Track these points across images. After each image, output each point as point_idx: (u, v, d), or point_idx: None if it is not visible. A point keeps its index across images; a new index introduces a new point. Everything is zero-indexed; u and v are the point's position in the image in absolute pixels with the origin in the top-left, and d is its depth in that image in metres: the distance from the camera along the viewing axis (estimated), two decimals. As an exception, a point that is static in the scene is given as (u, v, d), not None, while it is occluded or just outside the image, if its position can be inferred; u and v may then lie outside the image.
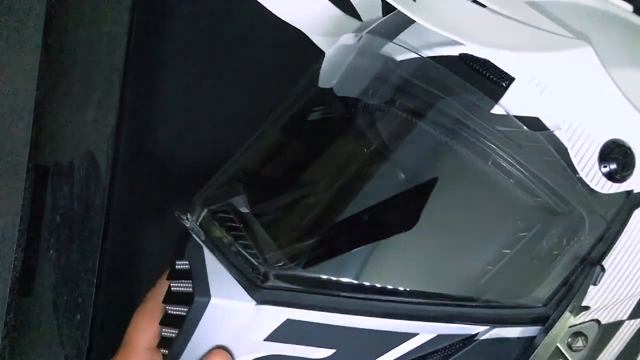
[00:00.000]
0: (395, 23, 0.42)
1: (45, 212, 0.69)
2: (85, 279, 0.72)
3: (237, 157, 0.47)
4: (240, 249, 0.39)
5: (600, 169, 0.36)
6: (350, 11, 0.51)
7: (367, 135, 0.40)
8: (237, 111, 0.73)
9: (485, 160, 0.36)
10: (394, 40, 0.40)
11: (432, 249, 0.37)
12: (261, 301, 0.37)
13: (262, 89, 0.72)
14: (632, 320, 0.39)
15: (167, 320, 0.42)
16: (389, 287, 0.36)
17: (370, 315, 0.36)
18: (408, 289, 0.36)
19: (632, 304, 0.38)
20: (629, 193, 0.37)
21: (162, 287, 0.46)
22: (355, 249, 0.37)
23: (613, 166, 0.36)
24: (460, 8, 0.37)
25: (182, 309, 0.40)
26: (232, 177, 0.44)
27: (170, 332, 0.41)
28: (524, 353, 0.36)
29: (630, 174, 0.36)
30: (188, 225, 0.42)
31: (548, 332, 0.35)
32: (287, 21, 0.48)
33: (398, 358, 0.35)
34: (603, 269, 0.36)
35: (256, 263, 0.38)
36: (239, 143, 0.70)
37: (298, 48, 0.73)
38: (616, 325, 0.38)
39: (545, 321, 0.35)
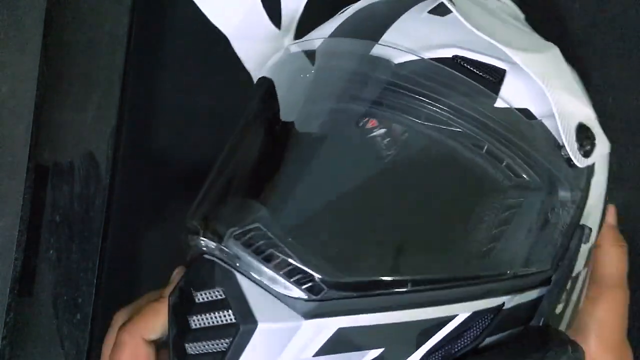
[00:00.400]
0: (362, 26, 0.44)
1: (45, 212, 0.69)
2: (85, 279, 0.72)
3: (228, 167, 0.46)
4: (277, 269, 0.37)
5: (578, 148, 0.41)
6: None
7: (383, 141, 0.40)
8: (237, 111, 0.73)
9: (494, 150, 0.40)
10: (381, 43, 0.41)
11: (459, 237, 0.39)
12: (311, 316, 0.35)
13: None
14: (584, 269, 0.46)
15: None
16: (430, 277, 0.37)
17: (415, 307, 0.37)
18: (446, 276, 0.38)
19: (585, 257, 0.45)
20: (589, 166, 0.44)
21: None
22: (392, 248, 0.38)
23: (587, 145, 0.42)
24: (483, 18, 0.42)
25: (220, 343, 0.36)
26: (239, 191, 0.42)
27: None
28: (534, 311, 0.40)
29: (594, 149, 0.43)
30: (208, 250, 0.39)
31: (554, 290, 0.40)
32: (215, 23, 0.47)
33: (440, 340, 0.37)
34: (590, 229, 0.42)
35: (302, 278, 0.37)
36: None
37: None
38: (577, 275, 0.45)
39: (549, 282, 0.41)
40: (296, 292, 0.36)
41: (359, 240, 0.38)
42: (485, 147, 0.39)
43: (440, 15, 0.42)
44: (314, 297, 0.36)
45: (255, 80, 0.52)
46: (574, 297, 0.44)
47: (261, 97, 0.47)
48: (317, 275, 0.36)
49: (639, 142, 0.64)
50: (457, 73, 0.40)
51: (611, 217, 0.49)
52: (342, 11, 0.49)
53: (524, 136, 0.40)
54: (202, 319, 0.37)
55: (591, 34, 0.66)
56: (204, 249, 0.39)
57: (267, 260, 0.37)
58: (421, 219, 0.39)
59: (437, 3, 0.43)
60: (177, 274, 0.45)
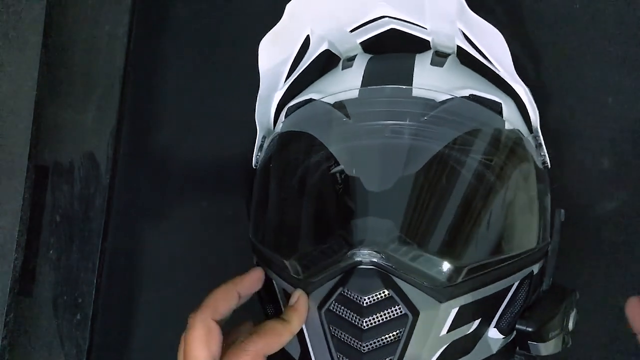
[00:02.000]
0: (390, 77, 0.53)
1: (45, 212, 0.69)
2: (85, 279, 0.72)
3: (329, 198, 0.53)
4: (421, 265, 0.47)
5: (537, 146, 0.55)
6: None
7: (457, 163, 0.51)
8: (237, 111, 0.73)
9: (518, 162, 0.52)
10: (419, 87, 0.52)
11: (515, 226, 0.52)
12: (446, 299, 0.46)
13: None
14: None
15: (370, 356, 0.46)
16: (503, 256, 0.49)
17: (497, 281, 0.49)
18: (512, 254, 0.50)
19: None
20: None
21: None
22: (487, 240, 0.50)
23: (540, 141, 0.55)
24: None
25: (392, 335, 0.45)
26: (372, 213, 0.48)
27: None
28: (544, 276, 0.54)
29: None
30: (364, 262, 0.46)
31: (552, 257, 0.54)
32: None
33: (506, 304, 0.50)
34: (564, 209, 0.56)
35: (439, 272, 0.47)
36: (238, 143, 0.70)
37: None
38: None
39: (547, 253, 0.54)
40: (437, 282, 0.46)
41: (469, 239, 0.49)
42: (517, 156, 0.52)
43: (440, 66, 0.54)
44: (448, 284, 0.46)
45: (261, 125, 0.58)
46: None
47: (307, 149, 0.54)
48: (449, 268, 0.47)
49: (639, 142, 0.64)
50: (482, 107, 0.52)
51: None
52: (335, 70, 0.57)
53: (527, 148, 0.53)
54: (375, 318, 0.45)
55: (591, 34, 0.66)
56: (360, 260, 0.46)
57: (413, 261, 0.47)
58: (495, 217, 0.50)
59: (430, 56, 0.55)
60: (256, 275, 0.51)
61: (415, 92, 0.52)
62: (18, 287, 0.62)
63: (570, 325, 0.53)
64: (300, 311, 0.48)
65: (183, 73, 0.75)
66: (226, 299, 0.48)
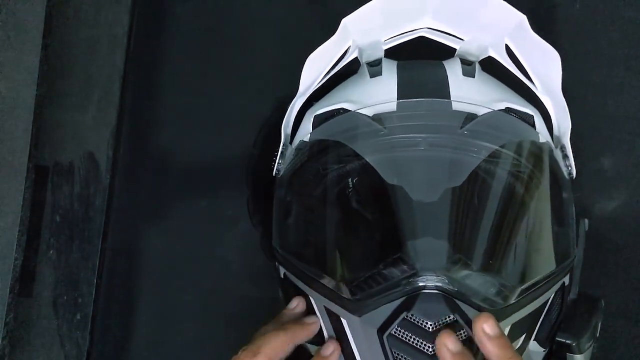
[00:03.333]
0: (426, 88, 0.53)
1: (45, 212, 0.69)
2: (85, 279, 0.72)
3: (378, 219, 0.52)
4: (482, 288, 0.48)
5: (563, 157, 0.55)
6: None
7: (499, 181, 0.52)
8: (236, 111, 0.73)
9: (549, 175, 0.53)
10: (457, 100, 0.52)
11: (555, 240, 0.53)
12: (502, 319, 0.47)
13: (262, 89, 0.72)
14: None
15: None
16: (543, 275, 0.50)
17: (537, 297, 0.50)
18: (549, 272, 0.50)
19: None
20: None
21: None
22: (532, 262, 0.52)
23: (567, 153, 0.55)
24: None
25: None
26: (426, 235, 0.48)
27: None
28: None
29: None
30: (428, 286, 0.46)
31: (578, 267, 0.55)
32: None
33: (544, 317, 0.51)
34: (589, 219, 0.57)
35: (501, 291, 0.48)
36: (238, 143, 0.70)
37: (298, 48, 0.73)
38: None
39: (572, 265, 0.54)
40: (495, 304, 0.47)
41: (523, 258, 0.51)
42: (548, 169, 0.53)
43: (472, 77, 0.54)
44: (504, 304, 0.47)
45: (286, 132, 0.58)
46: None
47: (347, 160, 0.54)
48: (506, 288, 0.48)
49: (638, 143, 0.64)
50: (518, 119, 0.53)
51: None
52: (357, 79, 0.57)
53: (556, 159, 0.54)
54: (455, 338, 0.45)
55: (591, 34, 0.66)
56: (425, 285, 0.46)
57: (474, 284, 0.48)
58: (543, 233, 0.52)
59: (457, 64, 0.55)
60: (299, 306, 0.52)
61: (455, 105, 0.52)
62: (18, 287, 0.62)
63: (597, 334, 0.53)
64: None
65: (183, 73, 0.75)
66: (283, 348, 0.47)
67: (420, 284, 0.46)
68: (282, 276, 0.55)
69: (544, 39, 0.63)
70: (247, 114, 0.71)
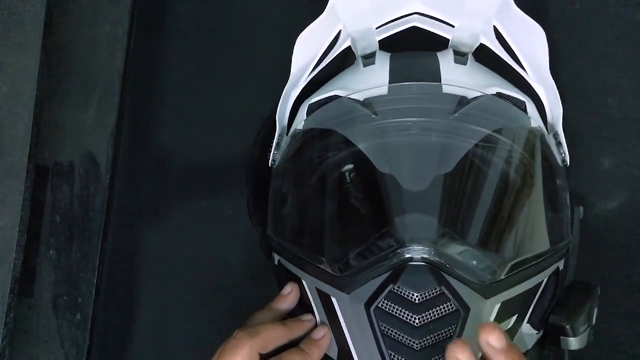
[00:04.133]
0: (418, 73, 0.53)
1: (45, 212, 0.69)
2: (85, 279, 0.72)
3: (370, 194, 0.52)
4: (469, 261, 0.47)
5: (557, 144, 0.55)
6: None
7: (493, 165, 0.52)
8: (236, 111, 0.73)
9: (541, 158, 0.53)
10: (448, 83, 0.52)
11: (545, 221, 0.52)
12: (491, 295, 0.47)
13: (262, 89, 0.72)
14: None
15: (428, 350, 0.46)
16: (536, 253, 0.50)
17: (531, 277, 0.50)
18: (544, 250, 0.50)
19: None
20: None
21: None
22: (524, 239, 0.51)
23: (560, 140, 0.55)
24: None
25: (443, 332, 0.45)
26: (415, 210, 0.48)
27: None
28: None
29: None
30: (415, 258, 0.46)
31: (574, 252, 0.55)
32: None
33: (537, 299, 0.51)
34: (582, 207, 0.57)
35: (485, 268, 0.48)
36: (238, 143, 0.70)
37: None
38: None
39: (568, 250, 0.54)
40: (483, 279, 0.47)
41: (512, 234, 0.51)
42: (541, 154, 0.52)
43: (464, 65, 0.54)
44: (492, 279, 0.47)
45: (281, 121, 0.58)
46: None
47: (337, 146, 0.54)
48: (495, 263, 0.48)
49: (639, 142, 0.64)
50: (510, 104, 0.52)
51: None
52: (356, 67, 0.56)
53: (549, 145, 0.53)
54: (428, 315, 0.45)
55: (591, 33, 0.66)
56: (411, 257, 0.46)
57: (461, 257, 0.47)
58: (532, 213, 0.52)
59: (450, 54, 0.55)
60: (293, 291, 0.52)
61: (445, 88, 0.52)
62: (18, 287, 0.62)
63: (594, 321, 0.53)
64: (322, 347, 0.49)
65: (183, 73, 0.75)
66: (279, 340, 0.48)
67: (407, 255, 0.46)
68: (276, 263, 0.55)
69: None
70: (247, 114, 0.71)
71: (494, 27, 0.54)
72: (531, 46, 0.52)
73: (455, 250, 0.47)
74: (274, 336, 0.47)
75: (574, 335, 0.51)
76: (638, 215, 0.64)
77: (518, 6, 0.54)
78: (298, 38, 0.52)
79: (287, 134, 0.57)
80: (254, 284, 0.71)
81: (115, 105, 0.73)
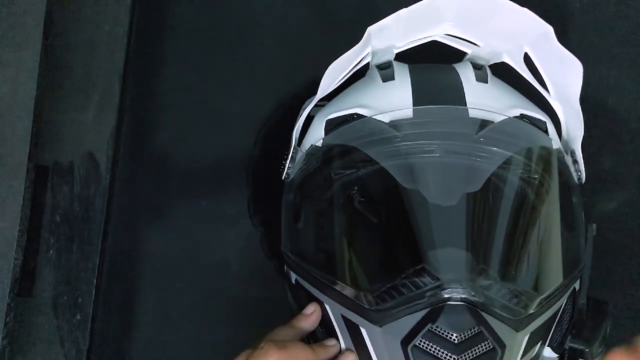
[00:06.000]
0: (443, 95, 0.53)
1: (45, 212, 0.69)
2: (85, 279, 0.72)
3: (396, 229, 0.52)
4: (505, 299, 0.48)
5: (574, 162, 0.55)
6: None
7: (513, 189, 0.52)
8: (236, 111, 0.73)
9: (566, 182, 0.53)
10: (473, 107, 0.52)
11: (570, 247, 0.53)
12: (522, 328, 0.47)
13: (262, 89, 0.72)
14: None
15: None
16: (559, 283, 0.51)
17: (552, 305, 0.50)
18: (572, 275, 0.52)
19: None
20: None
21: None
22: (551, 272, 0.52)
23: (577, 158, 0.56)
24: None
25: None
26: (449, 246, 0.49)
27: None
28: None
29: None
30: (453, 298, 0.46)
31: (586, 272, 0.55)
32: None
33: (557, 322, 0.51)
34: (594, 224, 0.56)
35: (523, 301, 0.48)
36: (238, 143, 0.70)
37: (298, 48, 0.73)
38: None
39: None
40: (518, 314, 0.47)
41: (543, 268, 0.52)
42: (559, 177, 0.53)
43: (485, 83, 0.54)
44: (525, 314, 0.48)
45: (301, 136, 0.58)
46: None
47: (364, 164, 0.53)
48: (529, 299, 0.48)
49: (639, 142, 0.64)
50: (532, 126, 0.53)
51: None
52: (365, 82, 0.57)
53: (568, 166, 0.54)
54: (467, 354, 0.45)
55: (591, 34, 0.66)
56: (449, 297, 0.46)
57: (498, 295, 0.48)
58: (560, 241, 0.53)
59: (469, 68, 0.55)
60: (316, 312, 0.52)
61: (471, 112, 0.52)
62: (18, 287, 0.62)
63: (607, 335, 0.54)
64: None
65: (183, 73, 0.75)
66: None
67: (446, 295, 0.46)
68: (293, 282, 0.54)
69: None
70: (247, 114, 0.71)
71: (526, 52, 0.54)
72: (563, 75, 0.53)
73: (490, 287, 0.47)
74: (301, 356, 0.47)
75: (592, 357, 0.51)
76: (638, 215, 0.64)
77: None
78: (329, 67, 0.51)
79: (298, 146, 0.57)
80: (254, 284, 0.71)
81: (115, 105, 0.72)
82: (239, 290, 0.71)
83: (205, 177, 0.73)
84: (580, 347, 0.51)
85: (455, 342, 0.45)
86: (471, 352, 0.45)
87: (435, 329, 0.46)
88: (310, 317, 0.51)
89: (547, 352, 0.51)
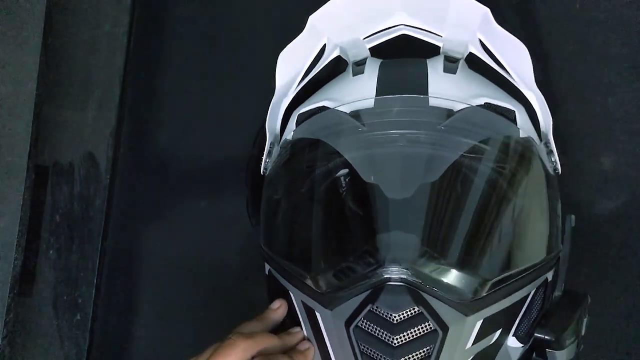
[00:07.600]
0: (405, 85, 0.53)
1: (45, 212, 0.69)
2: (85, 279, 0.72)
3: (348, 211, 0.52)
4: (448, 280, 0.47)
5: (548, 153, 0.55)
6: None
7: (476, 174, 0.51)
8: (236, 111, 0.73)
9: (533, 168, 0.53)
10: (434, 96, 0.52)
11: (531, 235, 0.52)
12: (472, 313, 0.47)
13: (262, 89, 0.72)
14: None
15: None
16: (522, 268, 0.50)
17: (516, 291, 0.49)
18: (529, 265, 0.50)
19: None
20: None
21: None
22: (507, 253, 0.51)
23: (551, 148, 0.55)
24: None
25: (422, 351, 0.46)
26: (395, 228, 0.48)
27: None
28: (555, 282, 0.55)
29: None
30: (393, 278, 0.46)
31: (564, 262, 0.55)
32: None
33: (524, 311, 0.51)
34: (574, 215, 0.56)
35: (465, 285, 0.48)
36: (238, 143, 0.70)
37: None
38: None
39: (558, 260, 0.54)
40: (464, 296, 0.47)
41: (493, 252, 0.50)
42: (534, 164, 0.52)
43: (453, 73, 0.54)
44: (473, 297, 0.47)
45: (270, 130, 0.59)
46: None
47: (324, 157, 0.54)
48: (475, 282, 0.48)
49: (639, 142, 0.64)
50: (498, 115, 0.52)
51: None
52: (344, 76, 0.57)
53: (539, 155, 0.53)
54: (406, 335, 0.45)
55: (591, 33, 0.66)
56: (389, 277, 0.46)
57: (441, 276, 0.47)
58: (516, 228, 0.51)
59: (441, 62, 0.54)
60: (282, 307, 0.53)
61: (432, 101, 0.52)
62: (18, 287, 0.62)
63: (583, 331, 0.53)
64: (308, 359, 0.49)
65: (183, 73, 0.75)
66: (272, 349, 0.49)
67: (385, 276, 0.46)
68: (266, 273, 0.56)
69: (543, 39, 0.63)
70: (247, 114, 0.71)
71: (480, 39, 0.54)
72: (517, 60, 0.53)
73: (434, 269, 0.47)
74: (268, 343, 0.48)
75: (561, 349, 0.50)
76: (638, 215, 0.64)
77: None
78: (280, 55, 0.53)
79: (278, 143, 0.58)
80: (253, 284, 0.71)
81: (115, 105, 0.73)
82: (238, 290, 0.71)
83: (205, 177, 0.73)
84: (546, 337, 0.50)
85: (395, 322, 0.45)
86: (410, 332, 0.45)
87: (375, 309, 0.46)
88: (276, 312, 0.52)
89: (513, 342, 0.50)
